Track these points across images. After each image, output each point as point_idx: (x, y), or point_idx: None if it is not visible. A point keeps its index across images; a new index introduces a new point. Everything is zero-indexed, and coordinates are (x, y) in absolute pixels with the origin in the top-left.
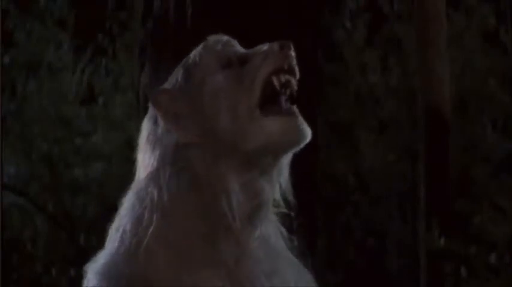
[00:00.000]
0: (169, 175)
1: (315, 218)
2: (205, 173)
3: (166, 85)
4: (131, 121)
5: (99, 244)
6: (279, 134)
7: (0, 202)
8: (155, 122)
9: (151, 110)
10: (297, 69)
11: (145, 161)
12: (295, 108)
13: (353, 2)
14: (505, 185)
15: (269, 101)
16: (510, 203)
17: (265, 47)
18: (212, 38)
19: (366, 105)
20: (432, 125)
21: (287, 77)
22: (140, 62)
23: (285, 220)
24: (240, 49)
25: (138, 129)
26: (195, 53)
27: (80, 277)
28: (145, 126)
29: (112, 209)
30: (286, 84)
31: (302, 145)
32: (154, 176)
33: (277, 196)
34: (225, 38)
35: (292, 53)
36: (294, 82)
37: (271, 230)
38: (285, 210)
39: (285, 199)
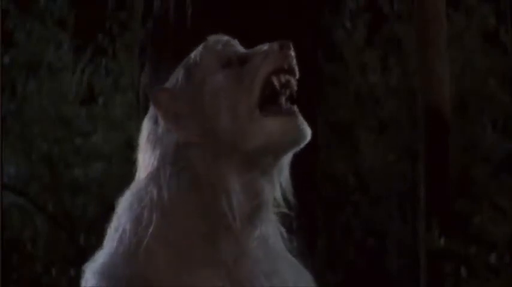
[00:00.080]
0: (169, 175)
1: (315, 218)
2: (206, 173)
3: (167, 85)
4: (131, 121)
5: (99, 244)
6: (279, 134)
7: (0, 202)
8: (155, 122)
9: (151, 110)
10: (296, 69)
11: (145, 160)
12: (295, 108)
13: (353, 2)
14: (505, 185)
15: (269, 101)
16: (510, 203)
17: (265, 47)
18: (212, 38)
19: (366, 105)
20: (432, 125)
21: (287, 77)
22: (140, 62)
23: (285, 220)
24: (241, 49)
25: (138, 129)
26: (195, 53)
27: (80, 277)
28: (146, 126)
29: (112, 209)
30: (286, 84)
31: (302, 145)
32: (154, 176)
33: (278, 195)
34: (225, 38)
35: (292, 53)
36: (293, 82)
37: (271, 230)
38: (285, 210)
39: (285, 199)
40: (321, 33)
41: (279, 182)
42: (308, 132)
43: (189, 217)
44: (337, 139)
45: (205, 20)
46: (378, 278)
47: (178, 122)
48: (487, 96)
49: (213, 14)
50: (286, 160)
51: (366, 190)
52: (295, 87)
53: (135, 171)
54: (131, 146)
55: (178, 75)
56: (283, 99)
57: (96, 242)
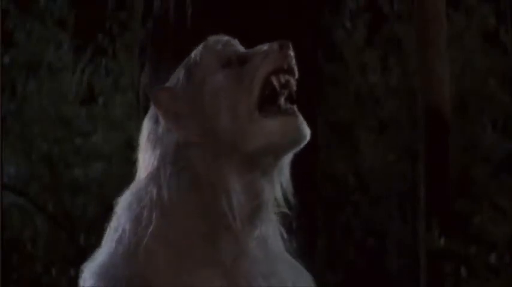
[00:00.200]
0: (169, 174)
1: (315, 218)
2: (206, 173)
3: (168, 85)
4: (131, 121)
5: (99, 244)
6: (279, 135)
7: (0, 202)
8: (156, 122)
9: (152, 110)
10: (296, 69)
11: (145, 160)
12: (295, 108)
13: (353, 2)
14: (505, 185)
15: (269, 101)
16: (510, 203)
17: (265, 47)
18: (212, 38)
19: (366, 105)
20: (432, 125)
21: (286, 77)
22: (140, 62)
23: (285, 220)
24: (241, 49)
25: (138, 129)
26: (195, 53)
27: (79, 277)
28: (146, 125)
29: (112, 209)
30: (285, 85)
31: (302, 145)
32: (154, 176)
33: (278, 195)
34: (226, 38)
35: (292, 53)
36: (293, 82)
37: (271, 231)
38: (285, 210)
39: (285, 199)
40: (321, 33)
41: (279, 182)
42: (308, 133)
43: (189, 216)
44: (337, 139)
45: (205, 20)
46: (378, 278)
47: (179, 121)
48: (487, 96)
49: (213, 14)
50: (287, 160)
51: (366, 190)
52: (295, 88)
53: (135, 171)
54: (131, 146)
55: (178, 75)
56: (282, 100)
57: (96, 242)
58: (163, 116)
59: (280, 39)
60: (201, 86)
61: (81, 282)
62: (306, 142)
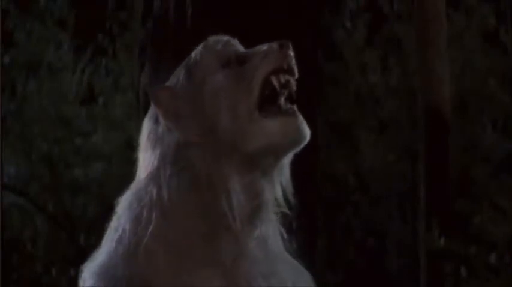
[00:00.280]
0: (169, 174)
1: (315, 218)
2: (206, 173)
3: (168, 84)
4: (131, 121)
5: (99, 244)
6: (279, 136)
7: (0, 202)
8: (156, 121)
9: (152, 110)
10: (296, 69)
11: (145, 160)
12: (295, 108)
13: (353, 2)
14: (505, 185)
15: (269, 101)
16: (510, 203)
17: (264, 47)
18: (213, 38)
19: (366, 105)
20: (432, 125)
21: (286, 77)
22: (140, 62)
23: (285, 220)
24: (241, 49)
25: (138, 130)
26: (196, 53)
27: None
28: (146, 125)
29: (112, 209)
30: (285, 85)
31: (302, 146)
32: (154, 175)
33: (278, 195)
34: (226, 38)
35: (291, 53)
36: (293, 82)
37: (271, 231)
38: (285, 210)
39: (285, 199)
40: (321, 33)
41: (279, 182)
42: (308, 133)
43: (189, 216)
44: (337, 139)
45: (205, 20)
46: (378, 278)
47: (179, 121)
48: (487, 96)
49: (213, 14)
50: (287, 160)
51: (366, 190)
52: (295, 88)
53: (135, 171)
54: (131, 146)
55: (179, 75)
56: (282, 100)
57: (96, 242)
58: (163, 115)
59: (280, 39)
60: (201, 86)
61: (80, 282)
62: (306, 143)
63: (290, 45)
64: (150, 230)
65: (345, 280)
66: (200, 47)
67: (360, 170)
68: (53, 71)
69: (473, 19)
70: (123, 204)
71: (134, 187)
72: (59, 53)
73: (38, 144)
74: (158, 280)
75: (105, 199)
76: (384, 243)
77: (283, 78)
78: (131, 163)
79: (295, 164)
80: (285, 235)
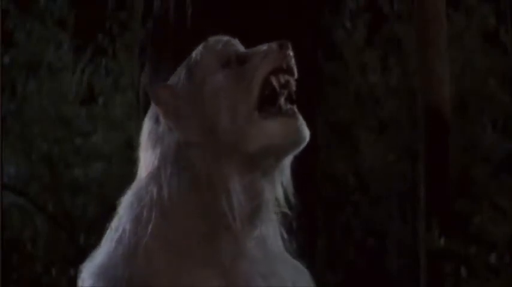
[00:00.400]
0: (170, 174)
1: (315, 218)
2: (206, 173)
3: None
4: (131, 121)
5: (99, 244)
6: (279, 136)
7: (0, 202)
8: (156, 121)
9: (152, 109)
10: (295, 69)
11: (146, 159)
12: (295, 109)
13: (353, 2)
14: (505, 185)
15: (268, 101)
16: (510, 203)
17: (264, 47)
18: (213, 38)
19: (366, 105)
20: (432, 125)
21: (286, 77)
22: (140, 62)
23: (285, 220)
24: (241, 49)
25: (138, 130)
26: (196, 53)
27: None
28: (146, 125)
29: (112, 209)
30: (285, 85)
31: (302, 147)
32: (154, 175)
33: (279, 195)
34: (226, 38)
35: (291, 53)
36: (292, 82)
37: (271, 231)
38: (285, 210)
39: (286, 199)
40: (321, 33)
41: (280, 182)
42: (307, 134)
43: (189, 216)
44: (337, 139)
45: (205, 20)
46: (378, 278)
47: (179, 120)
48: (487, 96)
49: (213, 14)
50: (288, 160)
51: (366, 190)
52: (294, 88)
53: (135, 171)
54: (131, 146)
55: (179, 74)
56: (282, 100)
57: (96, 242)
58: (163, 114)
59: (280, 39)
60: (201, 86)
61: (79, 282)
62: (305, 144)
63: (290, 45)
64: (150, 230)
65: (345, 280)
66: (200, 47)
67: (360, 170)
68: (53, 71)
69: (473, 19)
70: (124, 204)
71: (135, 186)
72: (59, 53)
73: (38, 144)
74: (158, 280)
75: (105, 199)
76: (384, 243)
77: (283, 78)
78: (131, 163)
79: (295, 164)
80: (285, 235)
